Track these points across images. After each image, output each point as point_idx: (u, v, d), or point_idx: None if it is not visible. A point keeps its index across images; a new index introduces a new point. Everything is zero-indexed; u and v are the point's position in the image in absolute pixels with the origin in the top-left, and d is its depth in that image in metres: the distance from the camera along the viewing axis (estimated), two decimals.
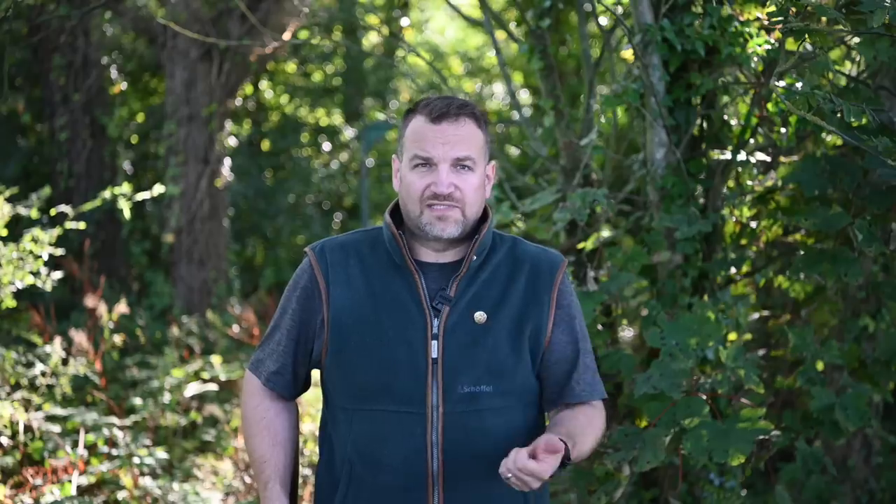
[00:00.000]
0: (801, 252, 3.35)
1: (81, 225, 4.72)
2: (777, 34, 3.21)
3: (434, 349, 2.00)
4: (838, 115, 2.86)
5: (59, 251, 4.43)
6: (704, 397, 2.91)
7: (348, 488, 2.04)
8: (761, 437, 2.75)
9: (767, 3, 3.22)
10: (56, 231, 4.36)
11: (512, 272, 2.08)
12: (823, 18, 3.02)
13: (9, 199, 4.48)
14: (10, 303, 4.18)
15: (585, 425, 2.07)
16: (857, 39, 3.13)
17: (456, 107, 2.01)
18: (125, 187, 4.90)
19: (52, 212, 4.89)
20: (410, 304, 2.02)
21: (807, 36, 2.96)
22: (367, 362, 2.01)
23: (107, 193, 4.87)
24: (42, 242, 4.27)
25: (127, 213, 4.95)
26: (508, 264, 2.09)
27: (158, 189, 5.07)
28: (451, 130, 1.99)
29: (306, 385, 2.19)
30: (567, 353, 2.11)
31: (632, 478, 3.26)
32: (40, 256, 4.28)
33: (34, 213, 4.49)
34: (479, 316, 2.02)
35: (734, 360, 2.95)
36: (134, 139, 9.25)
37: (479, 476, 2.01)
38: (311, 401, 5.27)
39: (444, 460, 1.99)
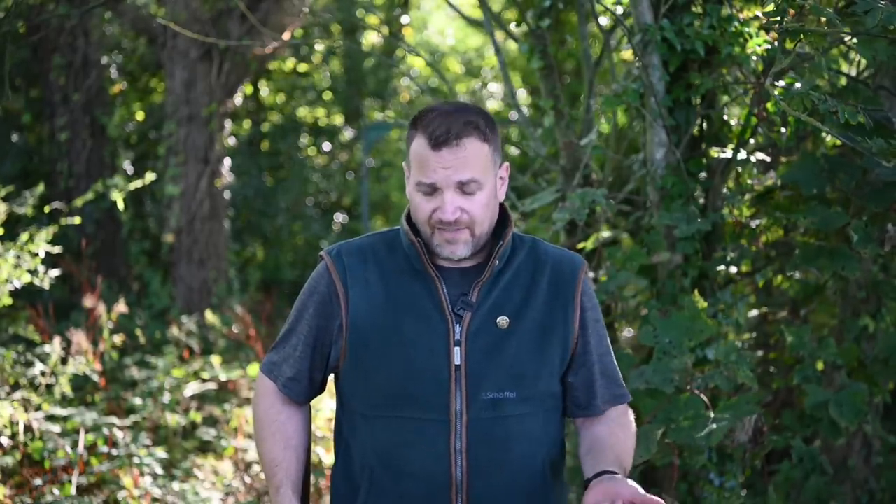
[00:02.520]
0: (799, 248, 3.36)
1: (77, 220, 4.70)
2: (775, 34, 3.21)
3: (457, 356, 1.96)
4: (834, 114, 2.86)
5: (56, 249, 4.42)
6: (701, 395, 2.92)
7: (368, 495, 2.02)
8: (747, 416, 2.75)
9: (766, 3, 3.22)
10: (52, 228, 4.36)
11: (534, 274, 2.04)
12: (823, 19, 3.02)
13: (6, 198, 4.48)
14: (6, 300, 4.18)
15: (625, 440, 2.08)
16: (855, 40, 3.13)
17: (456, 129, 1.91)
18: (118, 179, 4.88)
19: (46, 209, 4.89)
20: (432, 310, 1.98)
21: (802, 37, 2.96)
22: (388, 368, 1.98)
23: (99, 186, 4.86)
24: (39, 240, 4.26)
25: (121, 205, 4.94)
26: (530, 266, 2.05)
27: (150, 177, 5.06)
28: (451, 156, 1.91)
29: (321, 389, 2.16)
30: (594, 357, 2.09)
31: (630, 477, 3.25)
32: (37, 254, 4.27)
33: (29, 211, 4.48)
34: (503, 320, 1.98)
35: (727, 356, 2.95)
36: (134, 139, 9.25)
37: (501, 483, 1.98)
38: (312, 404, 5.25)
39: (468, 468, 1.96)
